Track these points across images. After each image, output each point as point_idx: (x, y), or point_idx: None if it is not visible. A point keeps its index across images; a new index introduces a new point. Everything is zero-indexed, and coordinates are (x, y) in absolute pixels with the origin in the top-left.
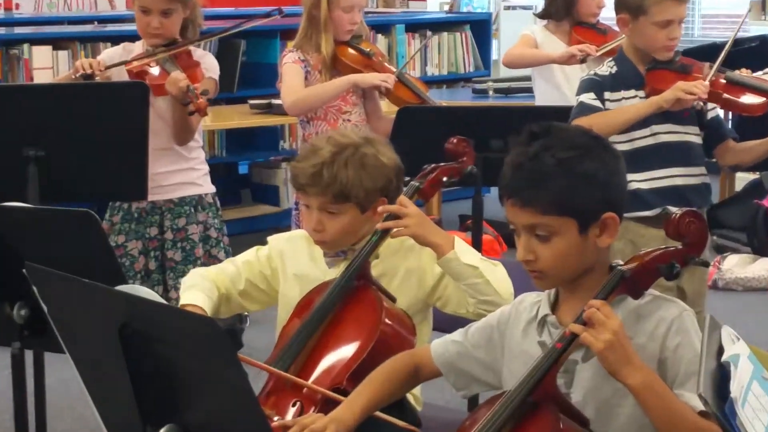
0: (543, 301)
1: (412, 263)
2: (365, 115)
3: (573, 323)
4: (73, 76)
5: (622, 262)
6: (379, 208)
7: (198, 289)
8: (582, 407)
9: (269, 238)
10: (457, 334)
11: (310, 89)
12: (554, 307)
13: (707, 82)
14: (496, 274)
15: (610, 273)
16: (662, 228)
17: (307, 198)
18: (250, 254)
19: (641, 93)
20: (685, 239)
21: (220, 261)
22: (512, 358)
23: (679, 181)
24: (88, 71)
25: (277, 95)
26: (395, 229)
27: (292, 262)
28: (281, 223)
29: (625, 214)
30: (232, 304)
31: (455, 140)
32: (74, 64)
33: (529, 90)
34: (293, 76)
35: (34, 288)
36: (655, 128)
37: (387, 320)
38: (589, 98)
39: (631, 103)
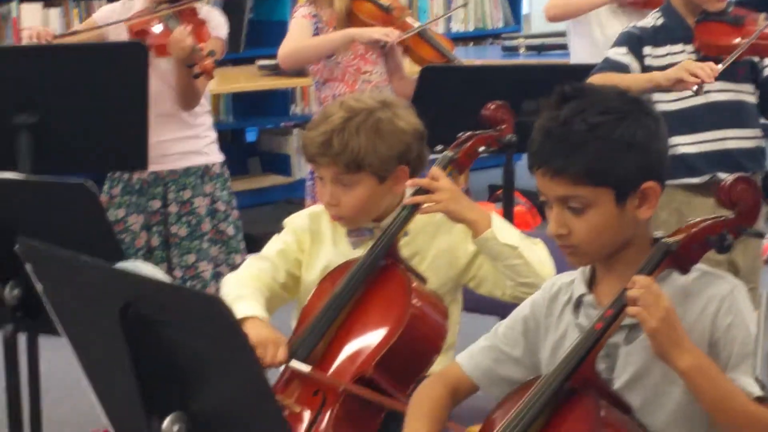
0: (577, 281)
1: (443, 241)
2: (387, 75)
3: (625, 292)
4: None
5: (665, 234)
6: (408, 182)
7: (246, 299)
8: (626, 394)
9: (287, 222)
10: (484, 340)
11: (306, 41)
12: (590, 285)
13: (719, 67)
14: (536, 254)
15: (652, 247)
16: (711, 196)
17: (318, 169)
18: (278, 244)
19: (689, 47)
20: (737, 208)
21: (228, 236)
22: (550, 346)
23: (730, 144)
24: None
25: None
26: (426, 205)
27: (317, 247)
28: (293, 194)
29: (671, 181)
30: (275, 300)
31: (493, 106)
32: (21, 33)
33: (564, 47)
34: (297, 29)
35: (27, 265)
36: (707, 86)
37: (417, 303)
38: (617, 53)
39: (678, 59)
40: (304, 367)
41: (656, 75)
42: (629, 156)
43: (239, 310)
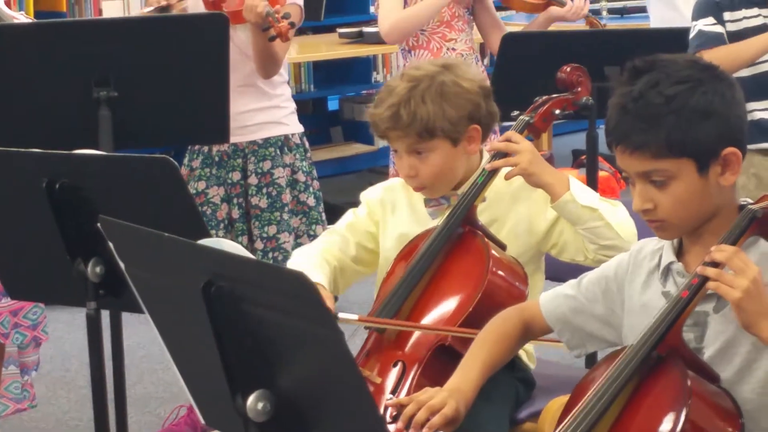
0: (666, 248)
1: (522, 207)
2: (482, 35)
3: (703, 266)
4: (145, 10)
5: (751, 201)
6: (487, 147)
7: (312, 269)
8: (716, 363)
9: (362, 195)
10: (569, 287)
11: (406, 12)
12: (678, 253)
13: None
14: (617, 216)
15: (739, 213)
16: None
17: (392, 143)
18: (349, 217)
19: (765, 11)
20: None
21: (309, 207)
22: (633, 312)
23: None
24: (163, 3)
25: (368, 22)
26: (507, 171)
27: (392, 218)
28: (377, 162)
29: (750, 146)
30: (347, 274)
31: (568, 68)
32: None
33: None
34: (390, 0)
35: (110, 243)
36: None
37: (495, 269)
38: (708, 24)
39: (753, 23)
40: (351, 317)
41: None
42: (707, 124)
43: None
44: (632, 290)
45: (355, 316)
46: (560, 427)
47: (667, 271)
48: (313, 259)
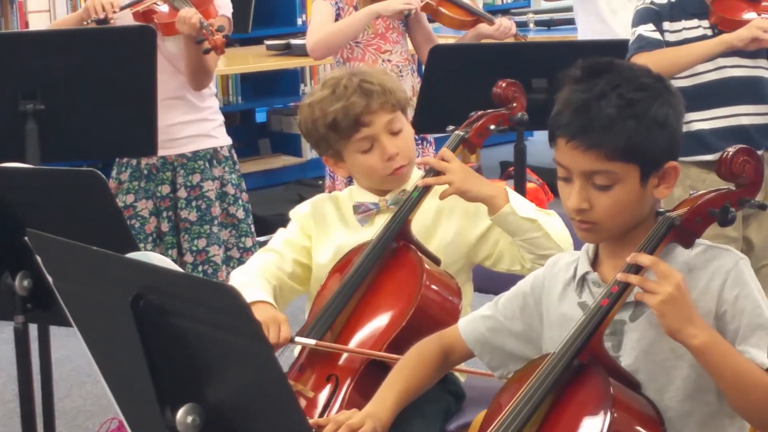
0: (581, 259)
1: (449, 218)
2: (415, 49)
3: (625, 273)
4: (85, 22)
5: (668, 208)
6: (418, 160)
7: (254, 286)
8: (633, 371)
9: (291, 213)
10: (486, 309)
11: (331, 27)
12: (594, 264)
13: None
14: (554, 226)
15: (656, 221)
16: None
17: (371, 126)
18: (283, 234)
19: (705, 23)
20: (739, 180)
21: (239, 220)
22: (551, 324)
23: (745, 121)
24: (101, 15)
25: (295, 34)
26: (442, 190)
27: (325, 232)
28: (305, 174)
29: (686, 158)
30: (285, 292)
31: (504, 84)
32: (85, 5)
33: (573, 22)
34: (320, 14)
35: (38, 257)
36: (721, 61)
37: (429, 284)
38: (648, 30)
39: (693, 34)
40: (309, 342)
41: (727, 37)
42: (661, 135)
43: (246, 296)
44: (549, 303)
45: (312, 341)
46: None
47: (582, 281)
48: (255, 279)
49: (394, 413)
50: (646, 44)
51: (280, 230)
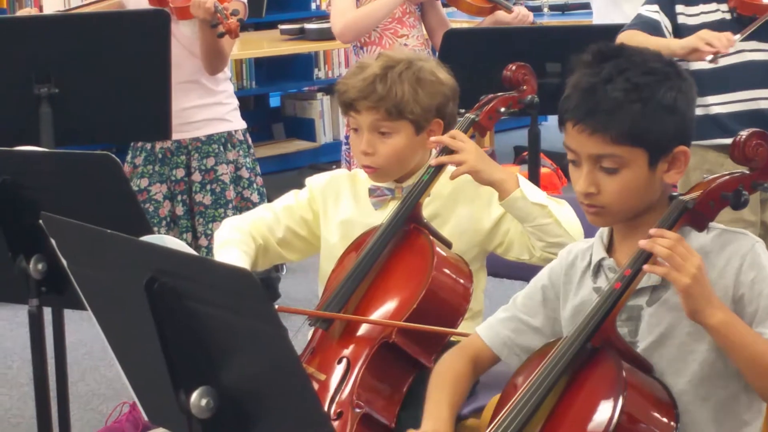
0: (596, 245)
1: (464, 205)
2: (428, 33)
3: (645, 266)
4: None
5: (682, 192)
6: (432, 139)
7: (233, 245)
8: (650, 356)
9: (307, 180)
10: (504, 311)
11: (360, 11)
12: (608, 250)
13: (737, 37)
14: (565, 213)
15: (669, 204)
16: None
17: (357, 117)
18: (289, 198)
19: (723, 6)
20: (752, 163)
21: (253, 203)
22: (570, 312)
23: (764, 104)
24: None
25: (309, 19)
26: (452, 167)
27: (334, 205)
28: (319, 159)
29: (704, 142)
30: (270, 254)
31: (514, 67)
32: None
33: (588, 6)
34: (343, 0)
35: (52, 240)
36: (740, 45)
37: (440, 267)
38: (650, 11)
39: (711, 18)
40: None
41: (672, 43)
42: (669, 119)
43: (219, 256)
44: (567, 291)
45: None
46: (496, 420)
47: (598, 267)
48: (240, 235)
49: (452, 426)
50: (639, 23)
51: (293, 192)
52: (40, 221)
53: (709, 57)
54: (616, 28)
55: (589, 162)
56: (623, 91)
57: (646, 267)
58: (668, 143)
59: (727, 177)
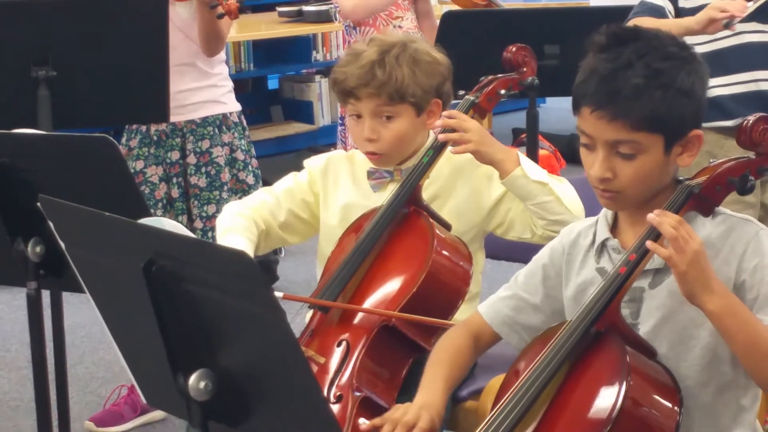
0: (600, 225)
1: (464, 185)
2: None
3: (648, 241)
4: None
5: (688, 177)
6: (437, 123)
7: (237, 232)
8: (652, 339)
9: (306, 162)
10: (505, 290)
11: None
12: (613, 230)
13: (750, 4)
14: (565, 191)
15: (675, 189)
16: None
17: (357, 104)
18: (289, 181)
19: None
20: (759, 148)
21: (248, 186)
22: (572, 291)
23: (764, 86)
24: None
25: (307, 1)
26: (454, 145)
27: (334, 188)
28: (317, 141)
29: (704, 124)
30: (272, 238)
31: (514, 48)
32: None
33: None
34: None
35: (50, 223)
36: (740, 26)
37: (439, 250)
38: None
39: (711, 2)
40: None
41: (687, 20)
42: (687, 104)
43: (223, 243)
44: (569, 270)
45: (280, 294)
46: (498, 405)
47: (602, 247)
48: (243, 221)
49: (445, 400)
50: (645, 9)
51: (292, 174)
52: (38, 204)
53: (725, 22)
54: (614, 10)
55: (606, 147)
56: (644, 77)
57: (649, 243)
58: (685, 128)
59: (734, 162)
